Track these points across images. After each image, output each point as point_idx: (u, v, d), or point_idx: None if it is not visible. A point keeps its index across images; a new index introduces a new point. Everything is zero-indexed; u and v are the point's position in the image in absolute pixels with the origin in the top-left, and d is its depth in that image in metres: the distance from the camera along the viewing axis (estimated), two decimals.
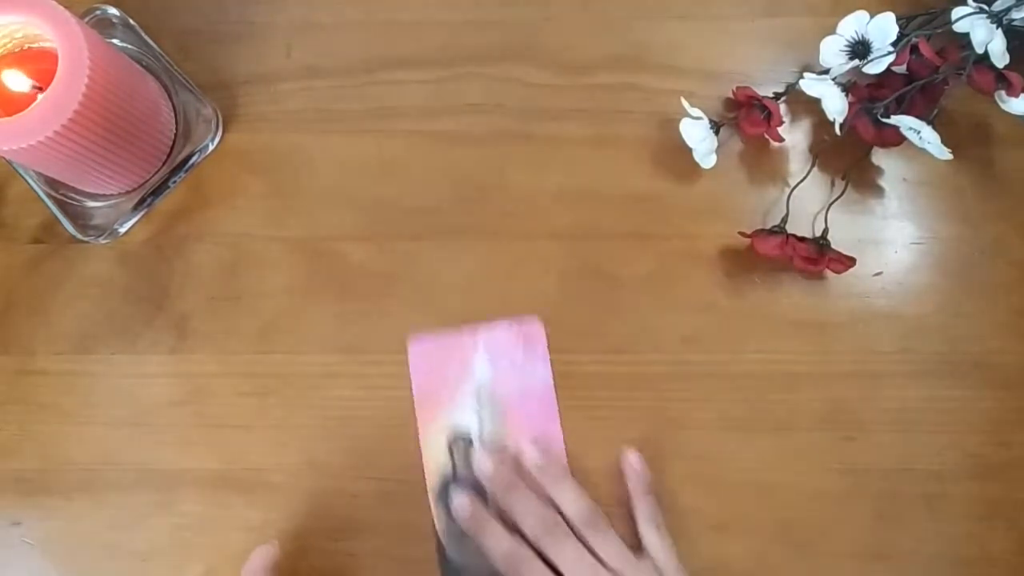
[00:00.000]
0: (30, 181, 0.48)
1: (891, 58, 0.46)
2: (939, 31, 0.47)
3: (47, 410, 0.49)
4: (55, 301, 0.50)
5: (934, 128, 0.46)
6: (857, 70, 0.48)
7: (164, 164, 0.50)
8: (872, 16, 0.47)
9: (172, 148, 0.50)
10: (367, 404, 0.49)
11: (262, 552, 0.45)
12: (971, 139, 0.51)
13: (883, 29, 0.47)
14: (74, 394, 0.49)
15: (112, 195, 0.49)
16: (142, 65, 0.49)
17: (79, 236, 0.49)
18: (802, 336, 0.50)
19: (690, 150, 0.49)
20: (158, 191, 0.50)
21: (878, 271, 0.50)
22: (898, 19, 0.47)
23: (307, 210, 0.51)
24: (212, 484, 0.49)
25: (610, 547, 0.45)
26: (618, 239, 0.50)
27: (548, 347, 0.49)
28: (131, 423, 0.49)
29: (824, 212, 0.50)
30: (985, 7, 0.45)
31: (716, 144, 0.49)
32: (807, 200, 0.50)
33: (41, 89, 0.43)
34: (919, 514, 0.48)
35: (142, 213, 0.50)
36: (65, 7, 0.41)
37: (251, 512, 0.49)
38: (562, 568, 0.44)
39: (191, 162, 0.50)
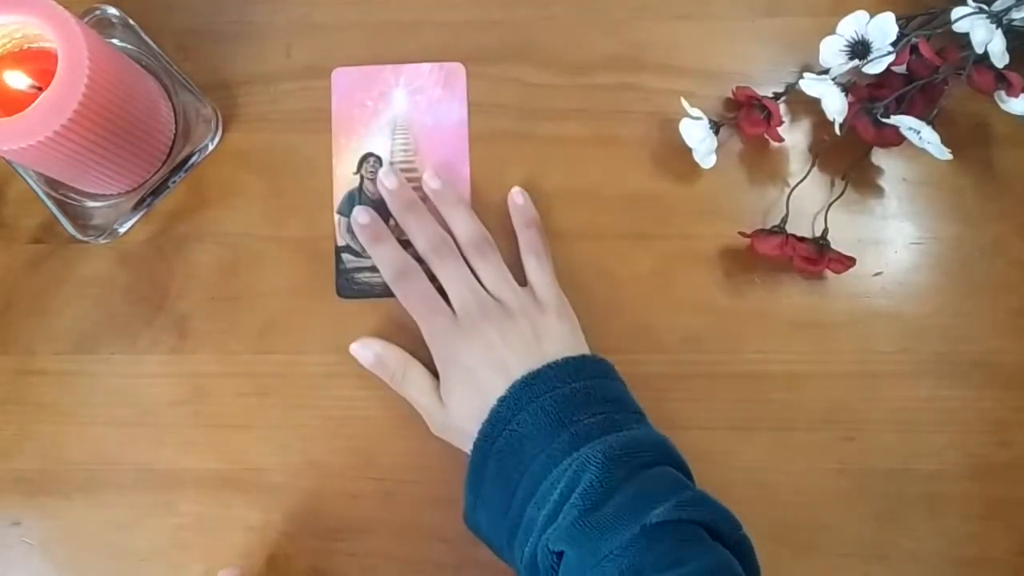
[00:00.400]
0: (30, 181, 0.48)
1: (891, 58, 0.46)
2: (939, 31, 0.47)
3: (47, 410, 0.49)
4: (55, 301, 0.50)
5: (934, 128, 0.46)
6: (857, 70, 0.48)
7: (164, 164, 0.50)
8: (872, 16, 0.47)
9: (172, 148, 0.50)
10: (367, 404, 0.49)
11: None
12: (971, 139, 0.51)
13: (883, 29, 0.47)
14: (74, 394, 0.50)
15: (112, 195, 0.49)
16: (142, 65, 0.49)
17: (79, 236, 0.49)
18: (802, 336, 0.50)
19: (690, 150, 0.49)
20: (158, 191, 0.50)
21: (878, 271, 0.50)
22: (898, 19, 0.47)
23: (307, 210, 0.51)
24: (212, 484, 0.49)
25: (492, 271, 0.47)
26: (618, 239, 0.50)
27: (467, 90, 0.51)
28: (131, 423, 0.49)
29: (824, 212, 0.50)
30: (985, 7, 0.45)
31: (716, 144, 0.49)
32: (807, 200, 0.50)
33: (41, 89, 0.43)
34: (919, 514, 0.48)
35: (142, 213, 0.50)
36: (65, 7, 0.41)
37: (251, 512, 0.49)
38: (444, 283, 0.47)
39: (191, 162, 0.50)
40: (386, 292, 0.49)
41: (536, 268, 0.48)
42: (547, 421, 0.42)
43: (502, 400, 0.43)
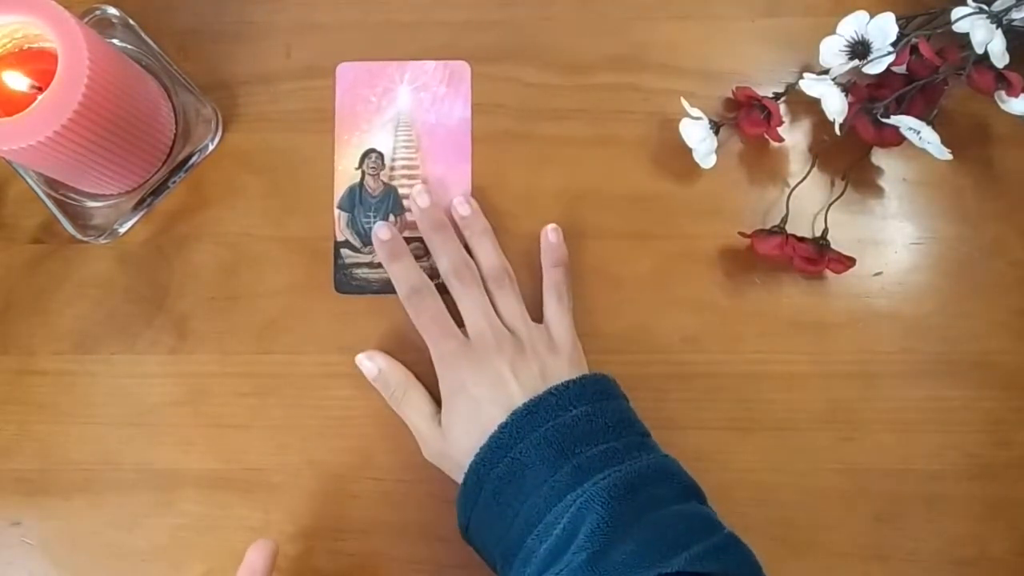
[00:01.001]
0: (30, 181, 0.48)
1: (891, 58, 0.46)
2: (939, 31, 0.47)
3: (47, 410, 0.49)
4: (55, 301, 0.50)
5: (934, 128, 0.46)
6: (857, 70, 0.48)
7: (164, 164, 0.50)
8: (872, 16, 0.47)
9: (172, 148, 0.50)
10: (367, 404, 0.49)
11: (261, 549, 0.43)
12: (971, 139, 0.51)
13: (883, 29, 0.47)
14: (74, 394, 0.50)
15: (112, 195, 0.49)
16: (142, 65, 0.49)
17: (79, 236, 0.49)
18: (802, 336, 0.50)
19: (690, 150, 0.49)
20: (158, 191, 0.50)
21: (878, 271, 0.50)
22: (898, 19, 0.47)
23: (307, 210, 0.51)
24: (212, 484, 0.49)
25: (510, 305, 0.47)
26: (618, 239, 0.50)
27: (472, 90, 0.51)
28: (131, 423, 0.49)
29: (824, 212, 0.50)
30: (985, 7, 0.45)
31: (716, 144, 0.49)
32: (807, 200, 0.50)
33: (41, 89, 0.43)
34: (919, 514, 0.48)
35: (142, 213, 0.50)
36: (65, 7, 0.41)
37: (251, 512, 0.49)
38: (461, 308, 0.47)
39: (191, 162, 0.50)
40: (383, 289, 0.49)
41: (556, 308, 0.47)
42: (550, 452, 0.41)
43: (503, 427, 0.43)
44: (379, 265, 0.50)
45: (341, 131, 0.51)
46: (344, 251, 0.50)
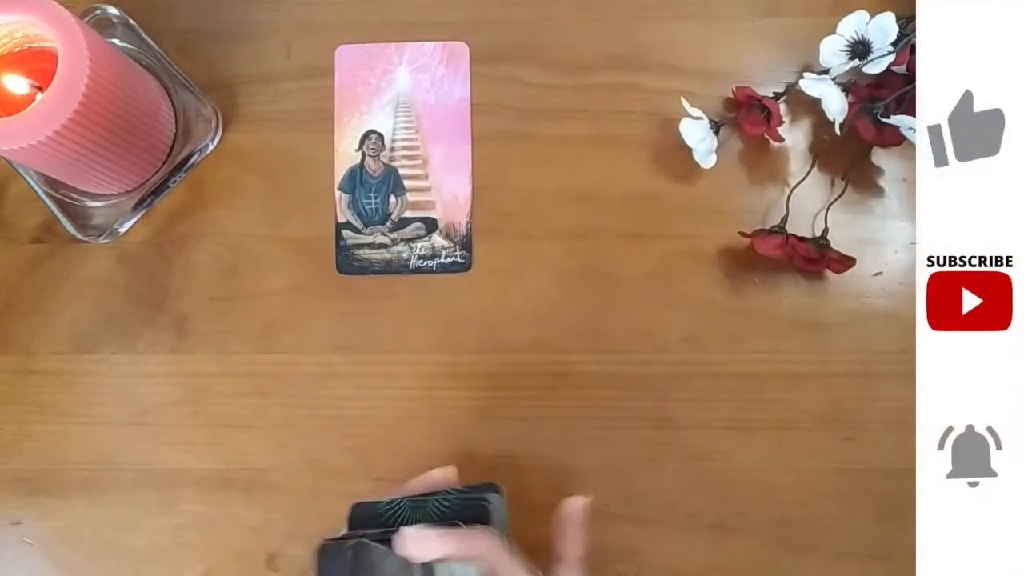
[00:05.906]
0: (30, 181, 0.48)
1: (891, 58, 0.46)
2: None
3: (47, 410, 0.49)
4: (55, 301, 0.50)
5: None
6: (857, 70, 0.48)
7: (164, 164, 0.50)
8: (872, 16, 0.47)
9: (172, 148, 0.50)
10: (367, 404, 0.49)
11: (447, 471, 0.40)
12: None
13: (883, 29, 0.47)
14: (74, 394, 0.50)
15: (112, 195, 0.49)
16: (142, 65, 0.49)
17: (79, 236, 0.49)
18: (802, 336, 0.50)
19: (690, 150, 0.49)
20: (158, 191, 0.50)
21: (878, 271, 0.50)
22: (898, 19, 0.47)
23: (307, 210, 0.51)
24: (212, 484, 0.49)
25: None
26: (618, 239, 0.50)
27: (471, 69, 0.51)
28: (131, 423, 0.49)
29: (824, 212, 0.50)
30: None
31: (716, 144, 0.49)
32: (807, 200, 0.50)
33: (41, 89, 0.43)
34: None
35: (142, 213, 0.50)
36: (65, 7, 0.41)
37: (251, 512, 0.49)
38: None
39: (191, 162, 0.50)
40: (384, 269, 0.49)
41: None
42: None
43: None
44: (380, 246, 0.50)
45: (341, 113, 0.51)
46: (345, 232, 0.50)
